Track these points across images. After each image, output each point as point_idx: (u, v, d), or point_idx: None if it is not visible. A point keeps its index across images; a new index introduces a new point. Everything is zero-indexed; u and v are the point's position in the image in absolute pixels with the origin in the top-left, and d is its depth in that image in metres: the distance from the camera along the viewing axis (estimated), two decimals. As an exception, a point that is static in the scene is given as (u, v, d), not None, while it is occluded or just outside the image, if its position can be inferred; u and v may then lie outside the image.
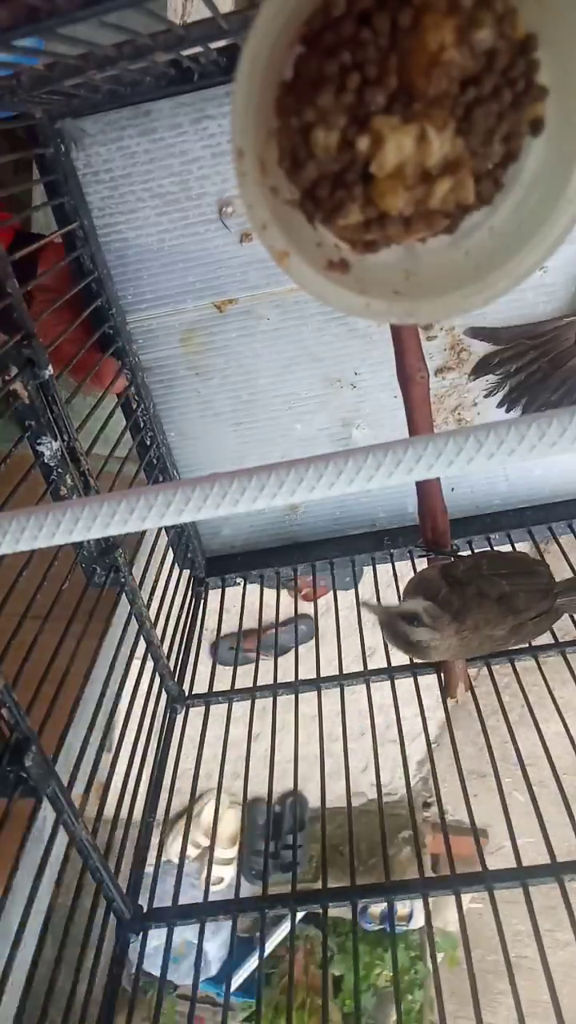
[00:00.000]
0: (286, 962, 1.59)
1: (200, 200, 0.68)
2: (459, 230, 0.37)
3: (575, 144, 0.34)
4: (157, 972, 0.53)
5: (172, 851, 1.31)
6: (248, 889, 1.46)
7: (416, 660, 0.59)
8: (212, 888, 0.59)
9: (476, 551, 0.63)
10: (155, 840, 0.61)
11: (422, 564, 0.71)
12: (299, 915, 0.56)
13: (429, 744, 0.65)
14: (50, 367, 0.57)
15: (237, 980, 1.50)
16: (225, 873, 1.62)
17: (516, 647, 0.71)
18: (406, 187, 0.34)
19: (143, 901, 0.57)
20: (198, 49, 0.56)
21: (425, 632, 0.55)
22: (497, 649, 0.61)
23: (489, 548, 0.78)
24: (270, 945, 1.52)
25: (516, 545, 0.82)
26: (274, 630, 0.76)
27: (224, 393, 0.78)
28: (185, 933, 0.57)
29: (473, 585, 0.57)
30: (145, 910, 0.57)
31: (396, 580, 0.80)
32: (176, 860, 0.59)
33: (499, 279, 0.35)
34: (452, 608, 0.55)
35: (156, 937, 0.54)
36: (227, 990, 1.33)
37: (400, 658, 0.73)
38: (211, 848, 0.59)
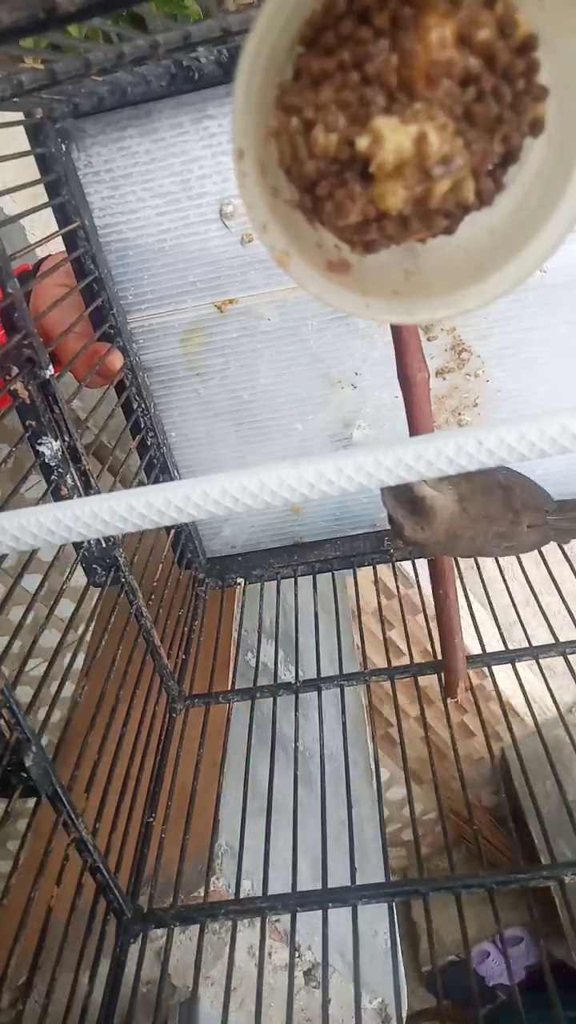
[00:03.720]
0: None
1: (201, 200, 0.68)
2: (459, 230, 0.37)
3: (575, 145, 0.34)
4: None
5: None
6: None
7: (414, 543, 0.54)
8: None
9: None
10: (155, 840, 0.61)
11: (423, 564, 0.71)
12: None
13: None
14: (51, 367, 0.57)
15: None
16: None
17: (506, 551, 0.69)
18: (406, 187, 0.34)
19: (143, 902, 0.57)
20: (199, 49, 0.56)
21: (428, 487, 0.52)
22: (487, 551, 0.59)
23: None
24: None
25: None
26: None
27: (224, 393, 0.78)
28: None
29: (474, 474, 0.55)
30: (145, 911, 0.57)
31: (396, 579, 0.80)
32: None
33: (499, 280, 0.35)
34: (457, 486, 0.53)
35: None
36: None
37: (401, 659, 0.73)
38: (211, 846, 0.59)
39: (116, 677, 0.62)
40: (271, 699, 0.73)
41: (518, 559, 0.79)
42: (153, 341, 0.75)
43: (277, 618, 0.79)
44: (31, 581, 0.53)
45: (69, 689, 0.55)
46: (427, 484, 0.52)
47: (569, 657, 0.69)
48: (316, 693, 0.71)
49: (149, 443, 0.78)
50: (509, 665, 0.71)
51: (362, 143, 0.33)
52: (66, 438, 0.59)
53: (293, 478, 0.27)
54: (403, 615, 0.78)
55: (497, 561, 0.80)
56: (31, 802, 0.49)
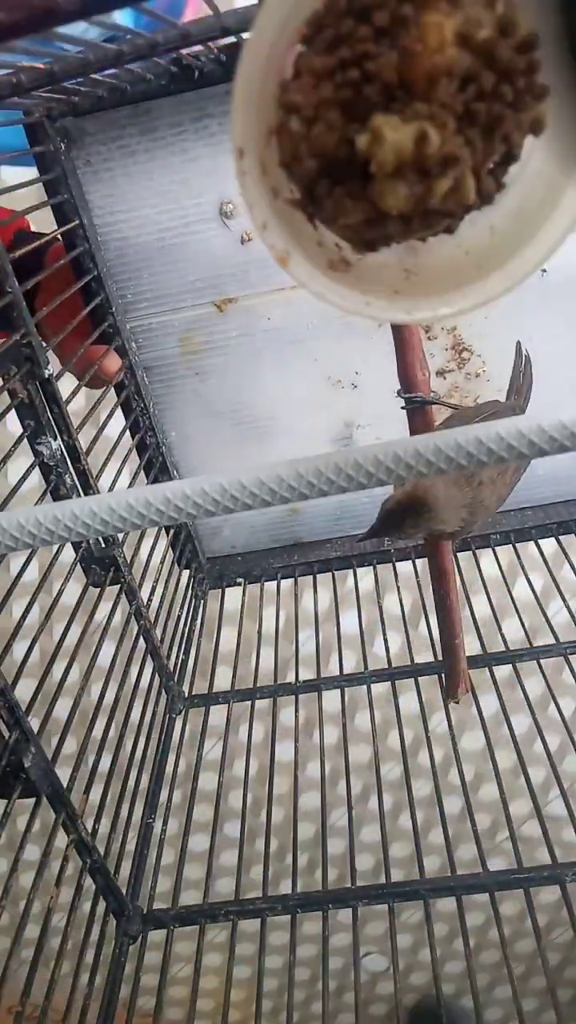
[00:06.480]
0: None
1: (200, 199, 0.68)
2: (459, 229, 0.37)
3: (575, 145, 0.34)
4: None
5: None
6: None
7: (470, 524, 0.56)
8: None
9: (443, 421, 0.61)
10: (155, 841, 0.61)
11: (423, 563, 0.71)
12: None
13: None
14: (50, 366, 0.57)
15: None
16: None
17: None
18: (406, 186, 0.34)
19: (143, 903, 0.57)
20: (199, 48, 0.56)
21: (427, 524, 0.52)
22: (509, 490, 0.60)
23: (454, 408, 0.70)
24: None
25: (517, 546, 0.82)
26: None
27: (224, 392, 0.78)
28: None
29: None
30: (145, 912, 0.57)
31: (396, 579, 0.80)
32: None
33: (500, 279, 0.35)
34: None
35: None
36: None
37: (401, 659, 0.73)
38: (211, 848, 0.59)
39: (116, 677, 0.62)
40: (271, 699, 0.73)
41: (519, 560, 0.79)
42: (152, 340, 0.75)
43: (277, 618, 0.79)
44: (30, 581, 0.53)
45: (69, 689, 0.55)
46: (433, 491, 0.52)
47: (570, 657, 0.69)
48: (316, 694, 0.71)
49: (148, 443, 0.78)
50: (510, 666, 0.71)
51: (362, 142, 0.33)
52: (65, 437, 0.59)
53: (293, 477, 0.27)
54: (403, 615, 0.77)
55: (498, 560, 0.80)
56: (31, 802, 0.48)
